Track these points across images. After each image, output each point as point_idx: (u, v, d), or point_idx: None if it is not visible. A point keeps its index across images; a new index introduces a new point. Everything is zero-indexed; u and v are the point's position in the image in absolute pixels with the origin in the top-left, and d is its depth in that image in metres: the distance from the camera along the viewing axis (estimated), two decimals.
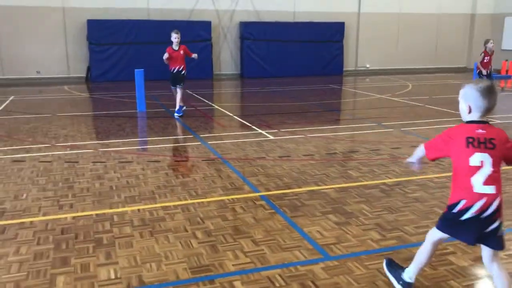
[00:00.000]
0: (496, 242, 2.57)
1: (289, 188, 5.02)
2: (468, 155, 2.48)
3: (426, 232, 2.90)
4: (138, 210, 4.43)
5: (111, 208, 4.48)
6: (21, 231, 3.96)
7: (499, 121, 8.61)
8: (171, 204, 4.57)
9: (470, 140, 2.47)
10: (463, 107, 2.60)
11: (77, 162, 6.05)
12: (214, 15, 17.01)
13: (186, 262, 3.42)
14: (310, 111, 10.27)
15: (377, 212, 4.36)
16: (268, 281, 3.16)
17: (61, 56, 15.89)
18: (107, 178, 5.39)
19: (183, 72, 9.17)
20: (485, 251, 2.65)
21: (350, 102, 12.48)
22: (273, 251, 3.58)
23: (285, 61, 17.63)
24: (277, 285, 3.12)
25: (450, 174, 2.79)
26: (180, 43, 9.06)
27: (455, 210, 2.55)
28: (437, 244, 2.81)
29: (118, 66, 15.93)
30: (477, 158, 2.46)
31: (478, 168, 2.46)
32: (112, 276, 3.24)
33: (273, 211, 4.38)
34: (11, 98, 12.14)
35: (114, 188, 5.05)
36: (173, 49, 8.99)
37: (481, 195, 2.46)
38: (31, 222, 4.15)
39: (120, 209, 4.45)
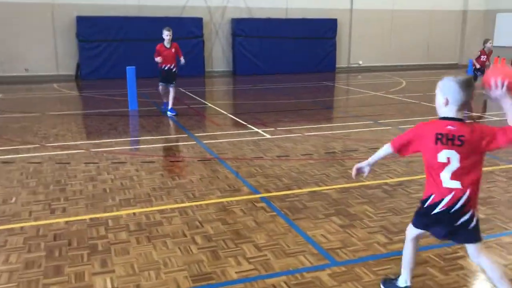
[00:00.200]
0: (467, 235, 2.58)
1: (290, 189, 4.87)
2: (436, 151, 2.50)
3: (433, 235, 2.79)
4: (134, 213, 4.25)
5: (105, 212, 4.30)
6: (11, 238, 3.76)
7: (497, 118, 8.55)
8: (168, 207, 4.40)
9: (439, 136, 2.48)
10: (440, 100, 2.55)
11: (68, 163, 5.85)
12: (206, 12, 16.78)
13: (186, 270, 3.26)
14: (305, 109, 10.13)
15: (381, 213, 4.23)
16: None
17: (50, 53, 15.56)
18: (100, 180, 5.19)
19: (174, 69, 8.97)
20: (468, 249, 2.66)
21: (345, 99, 12.37)
22: (277, 257, 3.43)
23: (278, 58, 17.47)
24: None
25: None
26: (172, 40, 8.85)
27: (426, 204, 2.61)
28: (416, 241, 2.84)
29: (108, 64, 15.64)
30: (444, 154, 2.47)
31: (445, 164, 2.48)
32: (109, 286, 3.07)
33: (274, 213, 4.23)
34: None
35: (107, 190, 4.86)
36: (165, 47, 8.78)
37: (449, 190, 2.50)
38: (22, 228, 3.95)
39: (114, 213, 4.27)
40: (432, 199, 2.57)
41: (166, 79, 9.01)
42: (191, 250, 3.54)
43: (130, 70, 9.73)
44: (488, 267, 2.64)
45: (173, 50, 8.82)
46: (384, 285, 3.03)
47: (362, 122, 8.37)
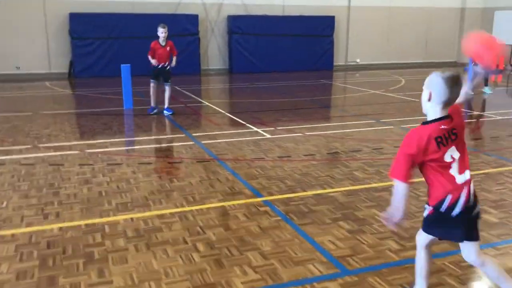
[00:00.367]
0: (477, 230, 2.50)
1: (293, 192, 4.68)
2: (442, 154, 2.42)
3: (447, 241, 2.63)
4: (132, 219, 4.04)
5: (101, 217, 4.09)
6: (1, 246, 3.54)
7: (500, 117, 8.41)
8: (167, 211, 4.20)
9: (439, 140, 2.40)
10: (424, 94, 2.48)
11: (62, 164, 5.62)
12: (201, 9, 16.54)
13: (189, 280, 3.06)
14: (304, 108, 9.95)
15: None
16: None
17: (42, 51, 15.25)
18: (96, 182, 4.98)
19: (168, 67, 8.73)
20: (470, 248, 2.52)
21: (344, 97, 12.19)
22: (284, 266, 3.24)
23: (275, 56, 17.26)
24: None
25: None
26: (167, 38, 8.60)
27: (443, 208, 2.43)
28: (429, 248, 2.70)
29: (102, 61, 15.36)
30: (448, 154, 2.42)
31: (451, 162, 2.43)
32: None
33: (279, 218, 4.04)
34: None
35: (103, 193, 4.65)
36: (160, 44, 8.53)
37: (462, 185, 2.42)
38: (13, 235, 3.73)
39: (111, 218, 4.06)
40: (450, 199, 2.41)
41: (159, 77, 8.77)
42: (193, 259, 3.34)
43: (125, 68, 9.49)
44: (490, 268, 2.55)
45: (168, 48, 8.58)
46: None
47: (363, 121, 8.20)
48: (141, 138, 7.17)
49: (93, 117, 8.75)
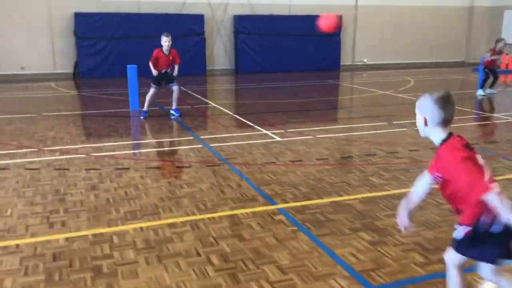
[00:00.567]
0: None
1: (308, 199, 4.49)
2: (477, 159, 2.27)
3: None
4: (141, 228, 3.86)
5: (109, 226, 3.91)
6: (5, 258, 3.37)
7: (508, 120, 8.19)
8: (178, 220, 4.02)
9: (467, 145, 2.31)
10: (418, 119, 2.38)
11: (68, 169, 5.45)
12: (207, 8, 16.37)
13: None
14: (313, 109, 9.76)
15: (413, 228, 3.85)
16: None
17: (47, 51, 15.13)
18: (103, 188, 4.81)
19: (171, 73, 8.48)
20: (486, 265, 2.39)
21: (353, 98, 11.98)
22: (304, 281, 3.06)
23: (281, 56, 17.07)
24: None
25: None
26: (172, 44, 8.31)
27: (489, 226, 2.23)
28: (462, 266, 2.50)
29: (107, 62, 15.22)
30: (479, 158, 2.30)
31: (484, 166, 2.26)
32: None
33: (295, 228, 3.86)
34: None
35: (111, 200, 4.48)
36: (163, 53, 8.26)
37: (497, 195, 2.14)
38: (17, 246, 3.56)
39: (119, 227, 3.88)
40: (489, 215, 2.20)
41: (160, 82, 8.52)
42: (207, 273, 3.16)
43: (132, 69, 9.34)
44: (506, 281, 2.43)
45: (170, 57, 8.35)
46: None
47: (375, 123, 8.00)
48: (149, 141, 7.00)
49: (98, 118, 8.59)
